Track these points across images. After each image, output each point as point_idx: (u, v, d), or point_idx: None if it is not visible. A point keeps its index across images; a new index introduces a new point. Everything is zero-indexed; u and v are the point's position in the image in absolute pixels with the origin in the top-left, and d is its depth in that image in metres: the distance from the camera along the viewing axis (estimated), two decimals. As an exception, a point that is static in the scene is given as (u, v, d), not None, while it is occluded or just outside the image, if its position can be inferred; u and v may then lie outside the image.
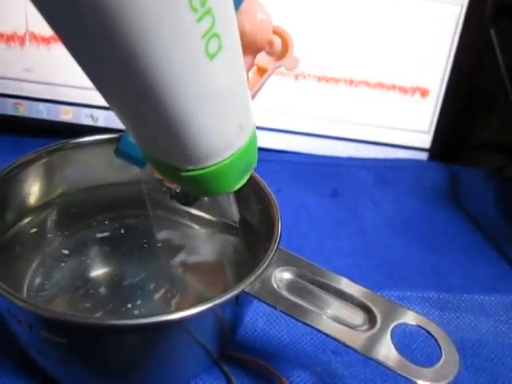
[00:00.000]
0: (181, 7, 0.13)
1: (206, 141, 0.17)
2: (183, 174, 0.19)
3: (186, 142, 0.17)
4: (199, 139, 0.17)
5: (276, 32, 0.24)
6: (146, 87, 0.15)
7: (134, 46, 0.13)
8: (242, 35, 0.23)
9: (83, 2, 0.12)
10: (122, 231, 0.31)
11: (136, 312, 0.26)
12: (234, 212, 0.25)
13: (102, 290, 0.28)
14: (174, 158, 0.18)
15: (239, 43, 0.17)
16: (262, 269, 0.22)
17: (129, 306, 0.27)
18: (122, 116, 0.17)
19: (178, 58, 0.14)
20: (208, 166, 0.18)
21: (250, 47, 0.23)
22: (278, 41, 0.24)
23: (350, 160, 0.47)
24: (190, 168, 0.18)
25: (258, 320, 0.30)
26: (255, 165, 0.22)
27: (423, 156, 0.48)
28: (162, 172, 0.20)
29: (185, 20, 0.14)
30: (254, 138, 0.20)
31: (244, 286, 0.21)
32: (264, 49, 0.24)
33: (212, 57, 0.15)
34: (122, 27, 0.13)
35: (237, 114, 0.18)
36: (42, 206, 0.29)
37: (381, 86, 0.46)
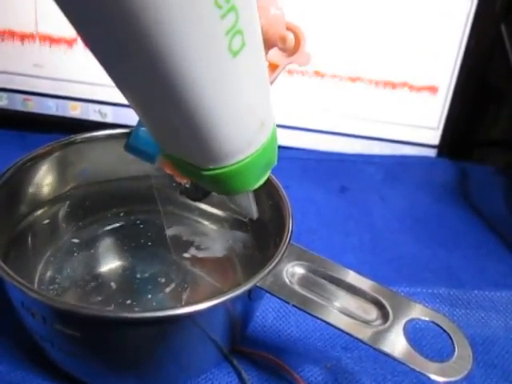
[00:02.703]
0: (206, 3, 0.13)
1: (228, 139, 0.17)
2: (204, 173, 0.18)
3: (208, 141, 0.17)
4: (221, 138, 0.17)
5: (288, 28, 0.24)
6: (170, 85, 0.15)
7: (159, 42, 0.13)
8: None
9: (110, 2, 0.12)
10: (133, 225, 0.31)
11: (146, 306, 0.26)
12: (253, 210, 0.25)
13: (113, 283, 0.28)
14: (195, 156, 0.18)
15: (261, 40, 0.17)
16: (274, 263, 0.22)
17: (139, 300, 0.27)
18: (143, 115, 0.17)
19: (201, 54, 0.14)
20: (229, 165, 0.18)
21: (264, 43, 0.23)
22: (290, 37, 0.24)
23: (358, 156, 0.47)
24: (211, 167, 0.18)
25: (267, 316, 0.30)
26: (275, 163, 0.21)
27: (432, 152, 0.48)
28: (182, 171, 0.20)
29: (209, 16, 0.14)
30: (274, 136, 0.20)
31: (256, 281, 0.21)
32: (277, 44, 0.24)
33: (235, 54, 0.15)
34: (148, 24, 0.13)
35: (258, 112, 0.18)
36: (55, 199, 0.29)
37: (390, 82, 0.45)
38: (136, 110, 0.17)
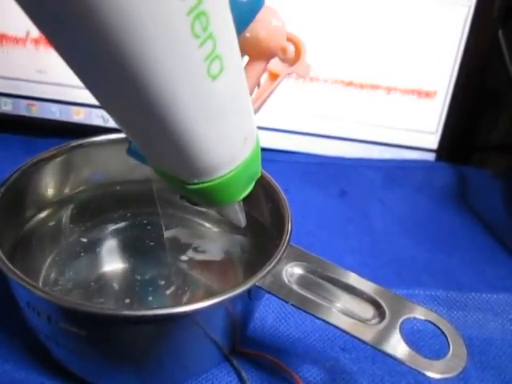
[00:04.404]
0: (184, 34, 0.14)
1: (211, 156, 0.18)
2: (189, 187, 0.19)
3: (191, 158, 0.18)
4: (204, 155, 0.18)
5: (289, 39, 0.25)
6: (152, 108, 0.15)
7: (139, 70, 0.14)
8: (257, 42, 0.23)
9: (90, 29, 0.13)
10: (135, 228, 0.31)
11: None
12: (240, 219, 0.25)
13: (115, 285, 0.28)
14: (179, 171, 0.19)
15: (240, 61, 0.18)
16: (274, 263, 0.22)
17: (140, 302, 0.27)
18: (128, 132, 0.18)
19: (181, 81, 0.15)
20: (213, 179, 0.19)
21: (264, 53, 0.24)
22: (291, 48, 0.25)
23: (358, 160, 0.48)
24: (195, 181, 0.19)
25: (267, 317, 0.30)
26: (259, 174, 0.22)
27: (431, 157, 0.49)
28: (169, 183, 0.21)
29: (187, 46, 0.14)
30: (257, 149, 0.21)
31: (256, 280, 0.21)
32: (277, 55, 0.25)
33: (214, 78, 0.16)
34: (127, 53, 0.13)
35: (241, 129, 0.19)
36: (60, 202, 0.30)
37: (388, 87, 0.46)
38: (121, 128, 0.18)
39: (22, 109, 0.46)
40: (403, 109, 0.47)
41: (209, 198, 0.20)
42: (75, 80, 0.43)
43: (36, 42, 0.43)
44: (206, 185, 0.19)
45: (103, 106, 0.17)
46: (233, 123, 0.18)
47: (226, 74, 0.16)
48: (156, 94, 0.15)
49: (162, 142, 0.17)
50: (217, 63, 0.15)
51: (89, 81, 0.15)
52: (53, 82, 0.45)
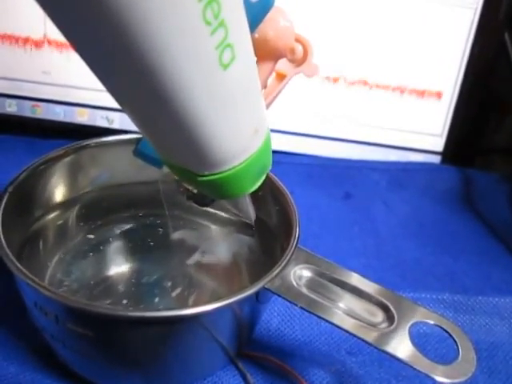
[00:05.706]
0: (195, 21, 0.14)
1: (222, 147, 0.18)
2: (199, 178, 0.19)
3: (202, 149, 0.17)
4: (215, 146, 0.18)
5: (297, 39, 0.25)
6: (162, 97, 0.15)
7: (150, 58, 0.14)
8: (265, 42, 0.23)
9: (102, 20, 0.13)
10: (142, 229, 0.31)
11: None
12: (250, 212, 0.25)
13: (121, 287, 0.28)
14: (190, 163, 0.19)
15: (252, 51, 0.18)
16: (282, 265, 0.22)
17: (147, 303, 0.27)
18: (139, 124, 0.18)
19: (192, 69, 0.15)
20: (224, 171, 0.19)
21: (273, 54, 0.24)
22: (299, 48, 0.25)
23: (363, 162, 0.48)
24: (206, 173, 0.19)
25: (272, 320, 0.30)
26: (270, 167, 0.22)
27: (436, 159, 0.48)
28: (180, 176, 0.21)
29: (199, 33, 0.14)
30: (268, 141, 0.20)
31: (265, 282, 0.21)
32: (286, 55, 0.24)
33: (226, 67, 0.15)
34: (139, 41, 0.13)
35: (251, 120, 0.19)
36: (66, 203, 0.30)
37: (394, 89, 0.46)
38: (131, 119, 0.18)
39: (27, 110, 0.46)
40: (409, 111, 0.46)
41: (219, 191, 0.20)
42: (80, 81, 0.43)
43: (40, 43, 0.43)
44: (216, 177, 0.19)
45: (114, 96, 0.16)
46: (243, 113, 0.18)
47: (237, 64, 0.16)
48: (167, 81, 0.14)
49: (173, 132, 0.17)
50: (228, 52, 0.15)
51: (100, 69, 0.15)
52: (57, 83, 0.45)
